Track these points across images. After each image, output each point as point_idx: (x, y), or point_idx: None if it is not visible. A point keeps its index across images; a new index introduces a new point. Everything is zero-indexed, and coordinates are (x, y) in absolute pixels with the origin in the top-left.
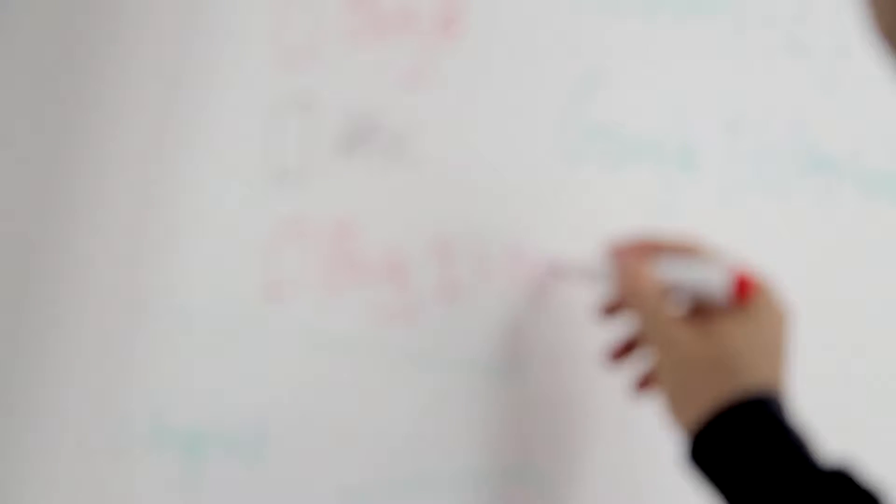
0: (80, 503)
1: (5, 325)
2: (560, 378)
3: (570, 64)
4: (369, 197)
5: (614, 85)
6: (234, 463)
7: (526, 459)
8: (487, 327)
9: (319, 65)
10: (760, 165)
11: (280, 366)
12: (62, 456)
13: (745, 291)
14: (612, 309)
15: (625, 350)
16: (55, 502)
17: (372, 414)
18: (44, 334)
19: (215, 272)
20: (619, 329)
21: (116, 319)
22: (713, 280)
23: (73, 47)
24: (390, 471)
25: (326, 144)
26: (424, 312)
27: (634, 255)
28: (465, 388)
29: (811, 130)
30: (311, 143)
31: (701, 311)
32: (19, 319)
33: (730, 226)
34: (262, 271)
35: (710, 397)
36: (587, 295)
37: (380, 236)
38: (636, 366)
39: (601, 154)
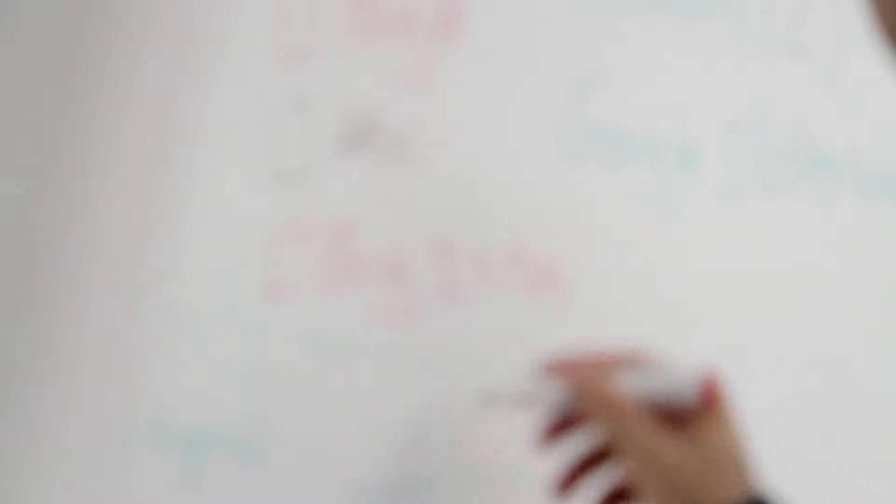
0: (80, 503)
1: (5, 326)
2: None
3: (570, 64)
4: (369, 197)
5: (614, 85)
6: (234, 463)
7: (526, 459)
8: (487, 327)
9: (319, 65)
10: (760, 165)
11: (280, 366)
12: (62, 456)
13: (714, 394)
14: (559, 430)
15: (581, 469)
16: (55, 502)
17: (372, 414)
18: (44, 334)
19: (215, 272)
20: (565, 451)
21: (116, 319)
22: (681, 386)
23: (74, 48)
24: (390, 471)
25: (326, 144)
26: (424, 312)
27: (586, 370)
28: (465, 387)
29: (811, 130)
30: (311, 143)
31: (670, 418)
32: (20, 319)
33: (730, 226)
34: (262, 271)
35: (708, 498)
36: (529, 420)
37: (380, 236)
38: (599, 481)
39: (601, 154)
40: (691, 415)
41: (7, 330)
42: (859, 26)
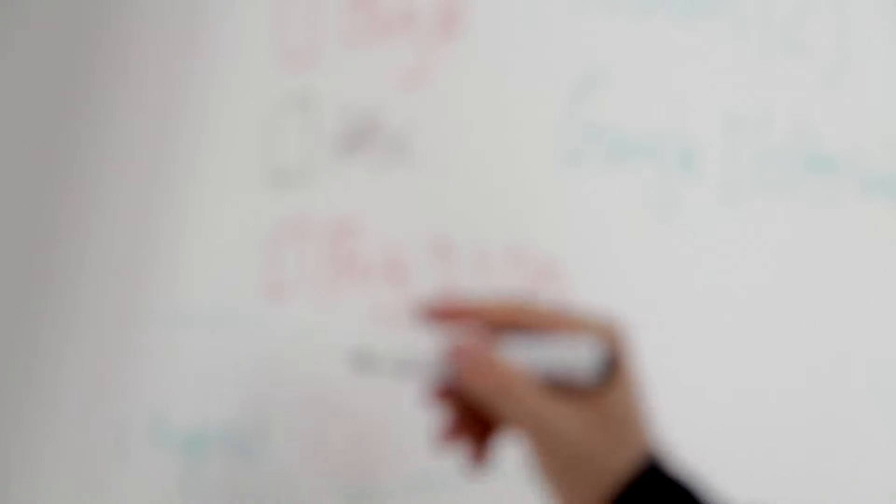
0: (80, 503)
1: (5, 326)
2: None
3: (570, 64)
4: (369, 197)
5: (614, 85)
6: (234, 463)
7: (526, 459)
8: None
9: (319, 65)
10: (760, 165)
11: (280, 366)
12: (62, 456)
13: (613, 364)
14: (442, 396)
15: (458, 429)
16: (55, 502)
17: (372, 414)
18: (44, 334)
19: (215, 272)
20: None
21: (116, 319)
22: (578, 353)
23: (74, 48)
24: (391, 471)
25: (326, 144)
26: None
27: (473, 339)
28: None
29: (811, 130)
30: (311, 143)
31: (558, 385)
32: (19, 319)
33: (729, 226)
34: (262, 271)
35: (607, 475)
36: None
37: (380, 236)
38: (469, 442)
39: (601, 154)
40: (584, 383)
41: (6, 330)
42: (859, 26)
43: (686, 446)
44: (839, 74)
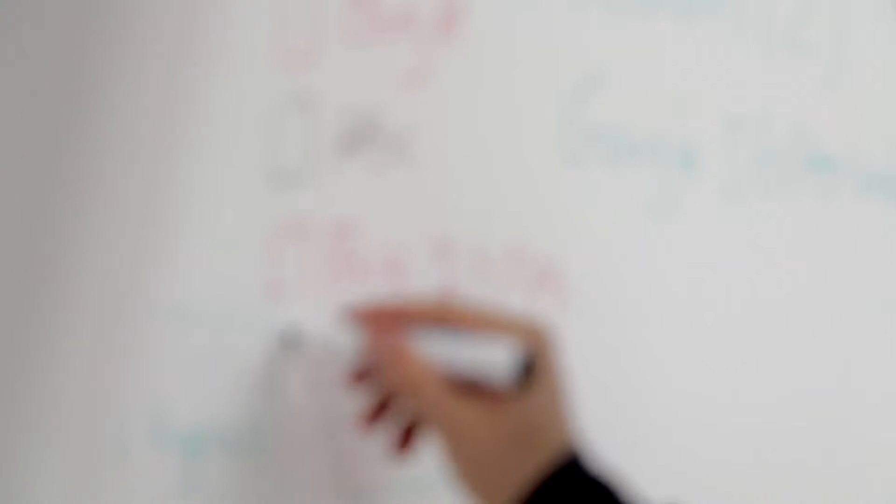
0: (80, 503)
1: (5, 326)
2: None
3: (571, 64)
4: (369, 197)
5: (614, 85)
6: (234, 463)
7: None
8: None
9: (319, 65)
10: (760, 165)
11: (280, 366)
12: (62, 456)
13: (531, 368)
14: (360, 379)
15: (380, 412)
16: (55, 502)
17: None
18: (43, 334)
19: (215, 272)
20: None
21: (116, 319)
22: (495, 356)
23: (73, 47)
24: (391, 471)
25: (326, 144)
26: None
27: (391, 331)
28: None
29: (811, 130)
30: (311, 143)
31: (479, 386)
32: (18, 319)
33: (729, 226)
34: (262, 271)
35: (520, 476)
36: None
37: (380, 236)
38: (393, 426)
39: (601, 154)
40: (502, 386)
41: (5, 330)
42: (859, 26)
43: (686, 446)
44: (839, 74)
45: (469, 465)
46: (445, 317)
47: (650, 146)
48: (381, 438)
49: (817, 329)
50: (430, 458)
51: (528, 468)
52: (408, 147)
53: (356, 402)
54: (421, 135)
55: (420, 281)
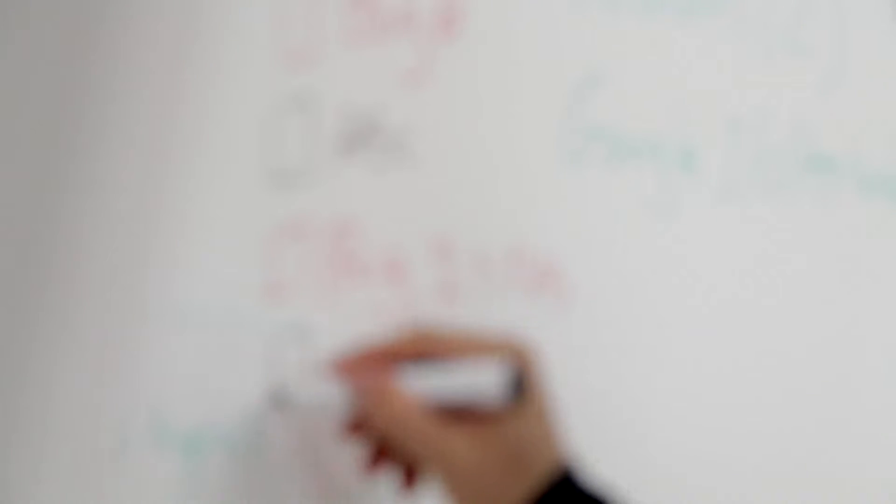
0: (80, 503)
1: (4, 326)
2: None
3: (571, 64)
4: (369, 197)
5: (614, 85)
6: (234, 463)
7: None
8: (487, 327)
9: (319, 65)
10: (760, 165)
11: (280, 366)
12: (62, 456)
13: (519, 389)
14: (354, 431)
15: (379, 457)
16: (55, 502)
17: None
18: (43, 334)
19: (215, 272)
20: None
21: (116, 319)
22: (479, 380)
23: (73, 47)
24: (391, 471)
25: (326, 144)
26: (424, 312)
27: (373, 373)
28: None
29: (811, 130)
30: (311, 143)
31: (467, 412)
32: (18, 319)
33: (729, 226)
34: (262, 271)
35: (515, 496)
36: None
37: (380, 236)
38: (394, 467)
39: (601, 154)
40: (493, 407)
41: (5, 329)
42: (859, 26)
43: (685, 446)
44: (839, 74)
45: (464, 491)
46: (426, 348)
47: (650, 146)
48: (386, 481)
49: (817, 329)
50: None
51: (522, 488)
52: (408, 147)
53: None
54: (421, 135)
55: (420, 281)
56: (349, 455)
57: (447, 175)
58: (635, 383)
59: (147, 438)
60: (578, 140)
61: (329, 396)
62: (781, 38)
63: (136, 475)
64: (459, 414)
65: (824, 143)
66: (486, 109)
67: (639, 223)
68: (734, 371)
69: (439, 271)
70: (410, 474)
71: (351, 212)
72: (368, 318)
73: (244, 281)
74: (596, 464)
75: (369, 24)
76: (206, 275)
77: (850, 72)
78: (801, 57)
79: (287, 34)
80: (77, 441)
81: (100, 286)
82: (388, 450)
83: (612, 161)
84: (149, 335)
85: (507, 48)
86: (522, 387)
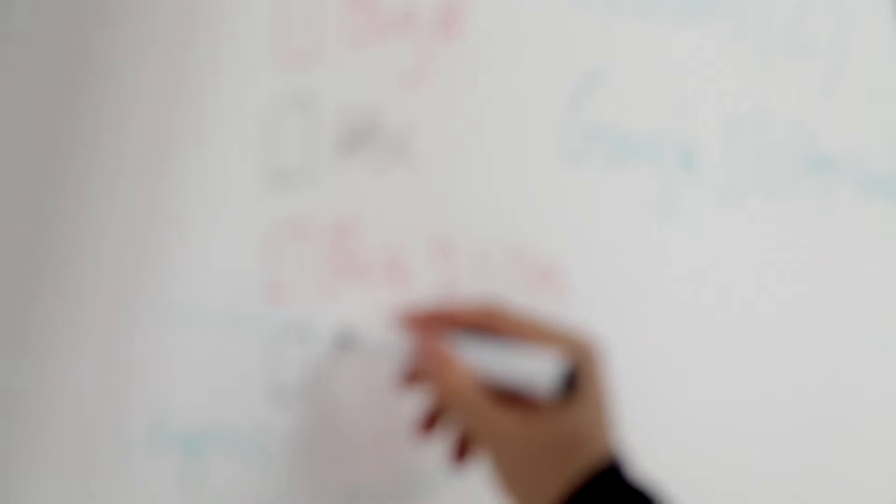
0: (80, 503)
1: (5, 326)
2: None
3: (571, 64)
4: (369, 197)
5: (614, 85)
6: (234, 463)
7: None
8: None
9: (319, 65)
10: (760, 165)
11: (280, 366)
12: (62, 456)
13: (572, 378)
14: (412, 381)
15: (432, 421)
16: (55, 502)
17: (372, 414)
18: (44, 334)
19: (215, 272)
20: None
21: (116, 319)
22: (537, 369)
23: (73, 48)
24: (391, 471)
25: (326, 144)
26: None
27: (437, 336)
28: None
29: (811, 130)
30: (311, 143)
31: (514, 395)
32: (19, 319)
33: (729, 226)
34: (262, 271)
35: (558, 484)
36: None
37: (380, 236)
38: (448, 435)
39: (601, 154)
40: (539, 397)
41: (5, 330)
42: (859, 27)
43: (687, 446)
44: (839, 75)
45: (509, 472)
46: (493, 323)
47: (650, 146)
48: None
49: (817, 329)
50: (430, 459)
51: (567, 476)
52: (408, 147)
53: (359, 402)
54: (421, 135)
55: (420, 281)
56: (406, 407)
57: (447, 175)
58: (635, 383)
59: (147, 439)
60: (578, 140)
61: (392, 345)
62: (781, 38)
63: (136, 476)
64: (507, 396)
65: (824, 143)
66: (486, 109)
67: (639, 223)
68: (734, 370)
69: (439, 271)
70: (463, 448)
71: (351, 212)
72: (368, 318)
73: (244, 281)
74: None
75: (369, 24)
76: (207, 275)
77: (850, 72)
78: (801, 57)
79: (287, 34)
80: (77, 442)
81: (100, 286)
82: (440, 416)
83: (612, 161)
84: (149, 335)
85: (507, 48)
86: (575, 383)
